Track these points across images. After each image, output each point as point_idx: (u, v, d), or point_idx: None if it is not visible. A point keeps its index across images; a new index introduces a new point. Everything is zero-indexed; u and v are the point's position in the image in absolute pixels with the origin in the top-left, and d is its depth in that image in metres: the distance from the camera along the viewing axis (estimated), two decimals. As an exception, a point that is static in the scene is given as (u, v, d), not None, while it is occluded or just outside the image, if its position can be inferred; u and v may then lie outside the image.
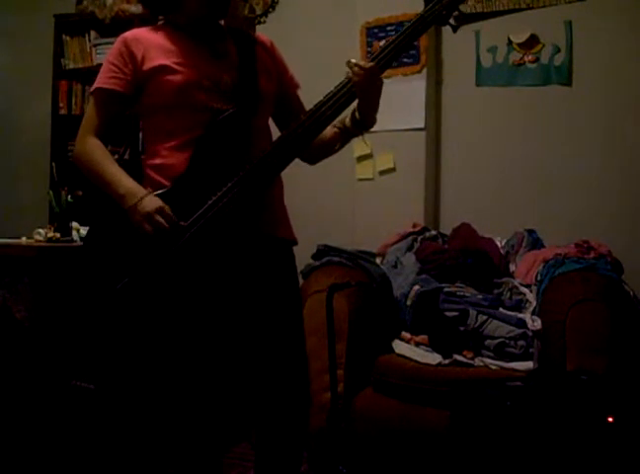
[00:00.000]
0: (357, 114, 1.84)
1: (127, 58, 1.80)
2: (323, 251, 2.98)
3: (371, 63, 1.76)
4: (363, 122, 1.85)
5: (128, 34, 1.84)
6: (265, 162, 1.76)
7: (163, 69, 1.78)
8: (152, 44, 1.81)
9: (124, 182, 1.76)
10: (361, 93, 1.78)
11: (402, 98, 3.31)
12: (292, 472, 1.93)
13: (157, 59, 1.79)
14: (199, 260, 1.74)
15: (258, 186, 1.77)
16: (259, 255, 1.83)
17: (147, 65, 1.79)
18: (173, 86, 1.77)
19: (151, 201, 1.71)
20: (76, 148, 1.83)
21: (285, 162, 1.79)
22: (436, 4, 1.81)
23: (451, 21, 1.86)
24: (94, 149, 1.79)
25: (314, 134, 1.80)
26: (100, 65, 1.88)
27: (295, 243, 1.95)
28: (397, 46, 1.80)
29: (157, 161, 1.82)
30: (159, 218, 1.69)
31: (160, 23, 1.92)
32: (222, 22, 1.95)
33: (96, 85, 1.82)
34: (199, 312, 1.77)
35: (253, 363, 1.88)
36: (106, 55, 1.87)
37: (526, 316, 2.62)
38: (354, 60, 1.78)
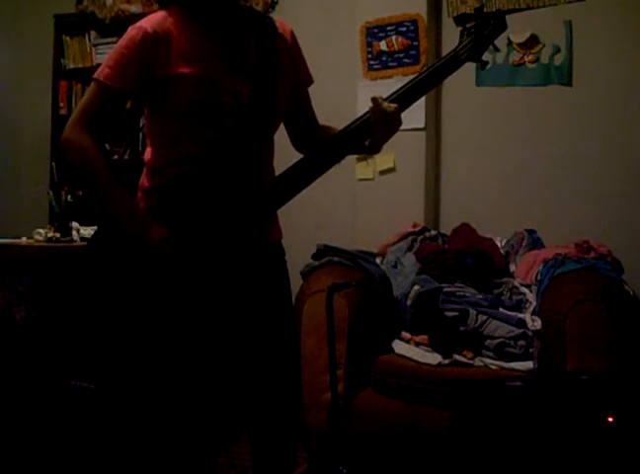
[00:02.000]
0: (366, 141, 1.80)
1: (145, 59, 1.68)
2: (323, 251, 2.98)
3: (394, 106, 1.71)
4: (371, 149, 1.81)
5: (148, 26, 1.69)
6: (277, 190, 1.77)
7: (184, 79, 1.68)
8: (173, 44, 1.69)
9: (126, 204, 1.72)
10: (378, 131, 1.74)
11: (402, 98, 3.35)
12: (287, 471, 1.94)
13: (179, 66, 1.69)
14: (198, 266, 1.74)
15: (267, 214, 1.79)
16: (252, 260, 1.83)
17: (168, 71, 1.69)
18: (192, 100, 1.69)
19: (158, 232, 1.70)
20: (68, 135, 1.71)
21: (297, 191, 1.78)
22: (470, 41, 1.73)
23: (484, 57, 1.79)
24: (90, 147, 1.70)
25: (329, 165, 1.78)
26: (100, 66, 1.76)
27: (281, 237, 1.95)
28: (424, 86, 1.75)
29: (159, 164, 1.80)
30: (164, 249, 1.69)
31: (173, 8, 1.76)
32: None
33: (103, 78, 1.70)
34: (194, 316, 1.77)
35: (247, 364, 1.88)
36: (120, 41, 1.72)
37: (526, 316, 2.62)
38: (379, 97, 1.72)
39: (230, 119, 1.73)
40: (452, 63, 1.74)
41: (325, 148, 1.78)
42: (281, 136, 1.97)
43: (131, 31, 1.71)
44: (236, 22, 1.79)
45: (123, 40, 1.71)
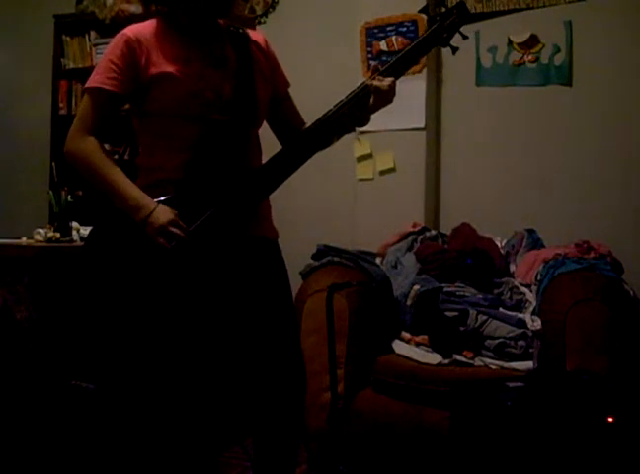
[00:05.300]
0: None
1: (130, 61, 1.76)
2: (323, 251, 2.98)
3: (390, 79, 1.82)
4: (360, 121, 1.85)
5: (130, 32, 1.79)
6: (276, 167, 1.80)
7: (168, 77, 1.75)
8: (155, 47, 1.78)
9: (131, 192, 1.74)
10: (377, 99, 1.82)
11: (402, 98, 3.37)
12: (288, 469, 1.94)
13: (162, 66, 1.76)
14: (193, 263, 1.75)
15: (266, 191, 1.82)
16: (250, 257, 1.84)
17: (151, 71, 1.76)
18: (176, 96, 1.76)
19: (163, 214, 1.71)
20: (70, 145, 1.78)
21: (296, 166, 1.81)
22: (438, 27, 1.84)
23: (453, 43, 1.89)
24: (92, 150, 1.76)
25: (326, 136, 1.82)
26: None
27: (277, 236, 1.97)
28: (399, 64, 1.84)
29: (152, 162, 1.83)
30: (174, 230, 1.70)
31: (155, 18, 1.85)
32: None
33: (95, 84, 1.77)
34: (194, 314, 1.78)
35: (248, 363, 1.88)
36: (105, 50, 1.82)
37: (526, 316, 2.62)
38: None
39: (215, 113, 1.78)
40: (421, 48, 1.88)
41: (323, 123, 1.81)
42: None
43: (115, 39, 1.80)
44: (213, 33, 1.87)
45: (109, 48, 1.80)
